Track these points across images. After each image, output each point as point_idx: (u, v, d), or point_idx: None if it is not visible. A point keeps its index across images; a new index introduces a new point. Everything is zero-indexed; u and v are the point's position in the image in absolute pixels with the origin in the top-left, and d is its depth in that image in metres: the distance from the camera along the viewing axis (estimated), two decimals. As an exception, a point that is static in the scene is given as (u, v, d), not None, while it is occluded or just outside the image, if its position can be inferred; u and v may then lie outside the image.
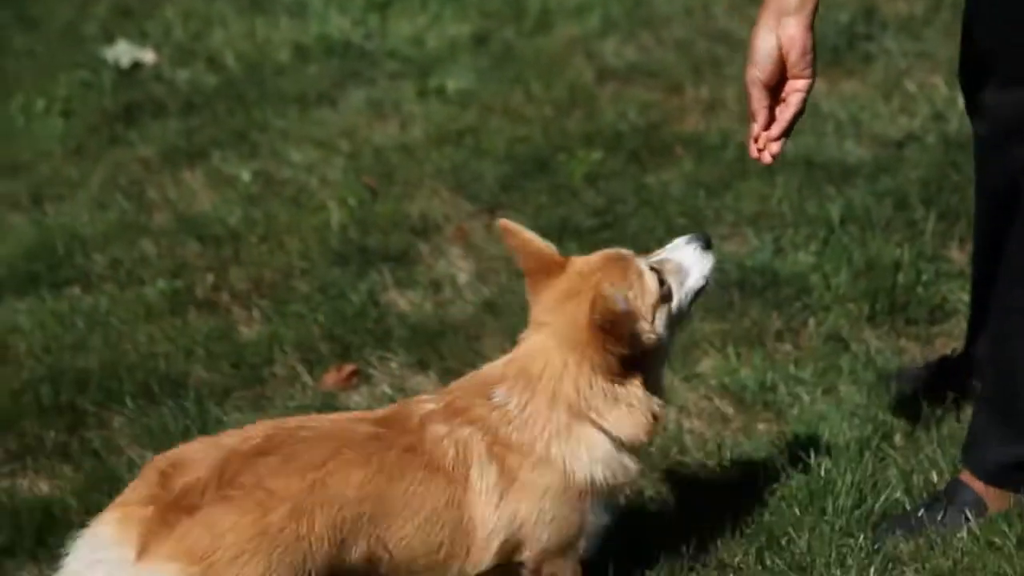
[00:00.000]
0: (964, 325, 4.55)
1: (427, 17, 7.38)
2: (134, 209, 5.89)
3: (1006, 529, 3.89)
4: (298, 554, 3.37)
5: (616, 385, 3.60)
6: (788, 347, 4.82)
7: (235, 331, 5.07)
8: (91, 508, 4.13)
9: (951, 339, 4.77)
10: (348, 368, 4.81)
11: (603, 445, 3.61)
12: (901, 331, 4.86)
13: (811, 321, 4.93)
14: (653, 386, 3.65)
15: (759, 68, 3.62)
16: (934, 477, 4.16)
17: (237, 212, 5.77)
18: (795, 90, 3.64)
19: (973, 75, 4.03)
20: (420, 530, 3.52)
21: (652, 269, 3.68)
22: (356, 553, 3.46)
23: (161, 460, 3.47)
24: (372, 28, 7.33)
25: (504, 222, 3.75)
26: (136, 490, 3.41)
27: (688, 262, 3.74)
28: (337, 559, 3.44)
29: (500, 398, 3.61)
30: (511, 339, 4.80)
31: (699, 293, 3.76)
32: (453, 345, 4.90)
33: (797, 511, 4.00)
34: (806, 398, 4.53)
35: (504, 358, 3.73)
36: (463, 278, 5.31)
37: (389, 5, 7.48)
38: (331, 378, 4.77)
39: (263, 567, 3.34)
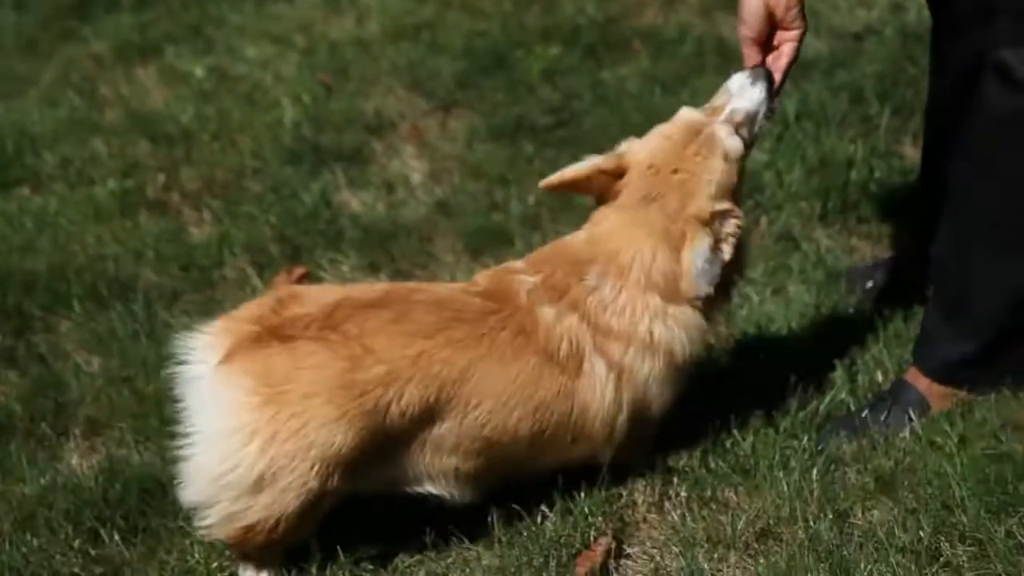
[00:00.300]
0: (915, 222, 4.53)
1: (385, -92, 7.27)
2: (85, 106, 5.82)
3: (948, 428, 3.91)
4: (373, 421, 3.37)
5: (692, 247, 3.63)
6: (740, 246, 4.81)
7: (185, 233, 5.04)
8: (35, 414, 4.15)
9: (902, 237, 4.76)
10: (298, 271, 4.79)
11: (695, 319, 3.67)
12: (852, 229, 4.86)
13: (763, 220, 4.92)
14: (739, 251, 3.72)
15: (748, 27, 3.69)
16: (879, 377, 4.18)
17: (190, 110, 5.72)
18: (787, 40, 3.70)
19: None
20: (529, 416, 3.55)
21: (736, 133, 3.69)
22: (444, 429, 3.47)
23: (284, 289, 3.56)
24: (328, -80, 7.21)
25: (545, 183, 3.71)
26: (249, 308, 3.51)
27: (755, 103, 3.71)
28: (418, 432, 3.45)
29: (593, 281, 3.62)
30: (464, 240, 4.84)
31: (768, 119, 3.77)
32: (405, 247, 4.88)
33: (742, 413, 4.01)
34: (755, 298, 4.53)
35: (582, 234, 3.72)
36: (416, 178, 5.28)
37: None
38: (281, 280, 4.74)
39: (332, 416, 3.34)
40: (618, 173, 3.67)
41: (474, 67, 5.95)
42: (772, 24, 3.68)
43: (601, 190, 3.69)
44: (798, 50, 3.69)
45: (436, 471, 3.55)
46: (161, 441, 3.99)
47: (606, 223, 3.67)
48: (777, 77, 3.71)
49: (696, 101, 5.49)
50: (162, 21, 6.49)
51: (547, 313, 3.58)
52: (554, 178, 3.69)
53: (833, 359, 4.24)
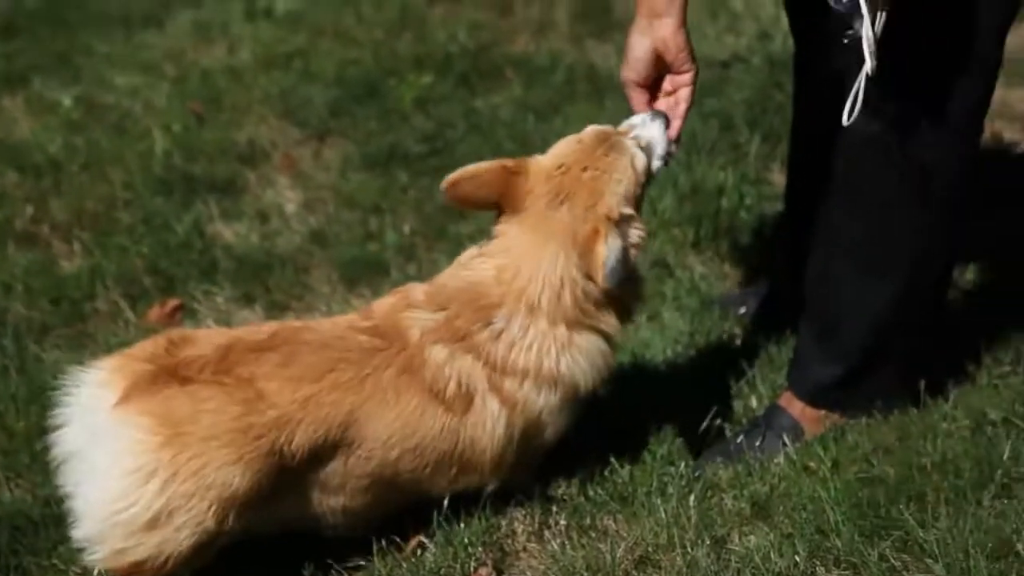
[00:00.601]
0: (785, 248, 4.59)
1: (255, -65, 7.24)
2: (-49, 138, 5.73)
3: (821, 453, 3.96)
4: (269, 462, 3.40)
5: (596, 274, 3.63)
6: (614, 273, 4.84)
7: (55, 265, 4.97)
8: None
9: (773, 263, 4.81)
10: (172, 303, 4.74)
11: (600, 346, 3.69)
12: (725, 256, 4.91)
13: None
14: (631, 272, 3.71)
15: (633, 70, 3.67)
16: (753, 403, 4.23)
17: (58, 140, 5.64)
18: (682, 85, 3.68)
19: None
20: (409, 453, 3.56)
21: (640, 148, 3.69)
22: (331, 469, 3.50)
23: (174, 332, 3.54)
24: (198, -53, 7.18)
25: (447, 181, 3.67)
26: (143, 347, 3.48)
27: (656, 139, 3.72)
28: (308, 473, 3.48)
29: (501, 324, 3.61)
30: (339, 271, 4.83)
31: (657, 173, 3.79)
32: (280, 278, 4.86)
33: (620, 441, 4.03)
34: (630, 326, 4.55)
35: (489, 268, 3.66)
36: (290, 208, 5.26)
37: (215, -77, 7.32)
38: (155, 313, 4.70)
39: (230, 459, 3.37)
40: (521, 174, 3.65)
41: (347, 96, 5.95)
42: (659, 68, 3.65)
43: (504, 196, 3.65)
44: (694, 92, 3.68)
45: (326, 509, 3.58)
46: (32, 478, 3.93)
47: (512, 247, 3.64)
48: (678, 124, 3.71)
49: (569, 128, 5.54)
50: (29, 50, 6.41)
51: (438, 352, 3.59)
52: (456, 175, 3.65)
53: (708, 385, 4.28)
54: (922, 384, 4.09)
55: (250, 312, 4.71)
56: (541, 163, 3.67)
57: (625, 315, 3.75)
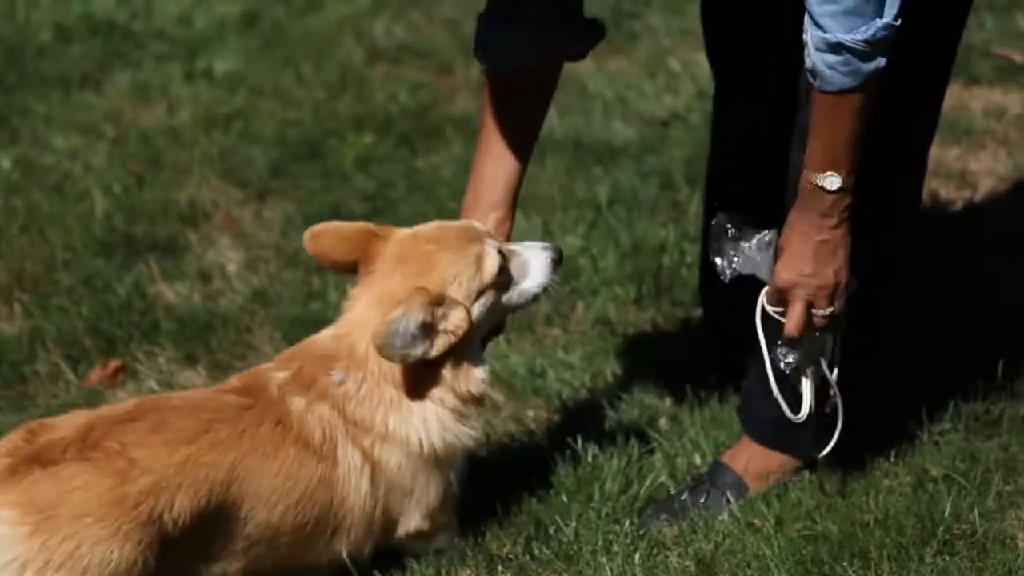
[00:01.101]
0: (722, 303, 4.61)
1: (194, -4, 7.28)
2: None
3: (765, 510, 3.98)
4: (150, 532, 3.30)
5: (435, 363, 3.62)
6: (557, 332, 4.86)
7: (-5, 327, 4.95)
8: None
9: (715, 319, 4.85)
10: (114, 364, 4.72)
11: (436, 412, 3.65)
12: (667, 313, 4.94)
13: (580, 305, 4.98)
14: (472, 361, 3.67)
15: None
16: (697, 460, 4.24)
17: (-3, 201, 5.63)
18: None
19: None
20: (291, 509, 3.50)
21: (500, 253, 3.69)
22: (218, 533, 3.42)
23: (32, 423, 3.44)
24: (137, 7, 7.20)
25: (310, 232, 3.73)
26: (0, 444, 3.37)
27: (535, 265, 3.75)
28: (191, 541, 3.38)
29: (338, 377, 3.61)
30: (282, 330, 4.82)
31: (532, 299, 3.78)
32: (223, 338, 4.84)
33: (564, 499, 4.04)
34: (575, 383, 4.57)
35: (329, 330, 3.72)
36: (232, 268, 5.25)
37: (155, -16, 7.35)
38: (96, 375, 4.68)
39: (107, 534, 3.26)
40: (382, 239, 3.69)
41: (288, 155, 5.96)
42: None
43: (362, 258, 3.69)
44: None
45: (216, 574, 3.49)
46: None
47: (352, 309, 3.70)
48: None
49: (510, 188, 5.60)
50: (-35, 111, 6.39)
51: (298, 403, 3.57)
52: (319, 227, 3.73)
53: (651, 443, 4.30)
54: (863, 442, 4.13)
55: (193, 372, 4.70)
56: (401, 232, 3.72)
57: (458, 395, 3.69)
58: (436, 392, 3.65)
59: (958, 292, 4.90)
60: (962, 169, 5.71)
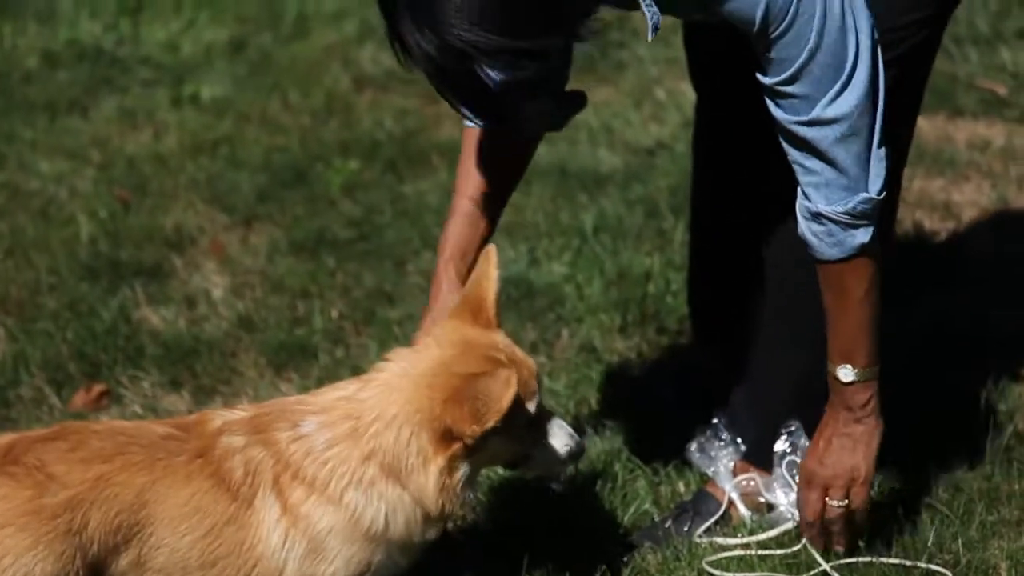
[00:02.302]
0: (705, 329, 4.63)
1: (181, 22, 7.29)
2: None
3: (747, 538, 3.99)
4: (68, 545, 3.28)
5: (434, 462, 3.42)
6: (543, 358, 4.86)
7: (-21, 351, 4.94)
8: None
9: (698, 347, 4.86)
10: (98, 388, 4.71)
11: (404, 506, 3.47)
12: (652, 341, 4.95)
13: (565, 332, 4.99)
14: (465, 486, 3.47)
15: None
16: (681, 488, 4.25)
17: (-18, 226, 5.62)
18: None
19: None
20: (199, 542, 3.43)
21: (539, 404, 3.51)
22: (128, 559, 3.38)
23: None
24: (124, 33, 7.21)
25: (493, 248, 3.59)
26: None
27: (555, 446, 3.54)
28: (107, 562, 3.35)
29: (308, 429, 3.47)
30: (268, 356, 4.82)
31: (534, 471, 3.64)
32: (208, 363, 4.84)
33: (548, 526, 4.04)
34: (560, 410, 4.58)
35: (352, 385, 3.53)
36: (218, 293, 5.25)
37: (142, 10, 7.36)
38: (80, 399, 4.67)
39: (27, 544, 3.24)
40: (477, 322, 3.52)
41: (274, 181, 5.97)
42: None
43: (460, 314, 3.54)
44: None
45: None
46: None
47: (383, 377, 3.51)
48: None
49: (497, 213, 5.61)
50: (-49, 136, 6.39)
51: (234, 440, 3.47)
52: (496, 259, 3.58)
53: (635, 470, 4.30)
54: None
55: (177, 397, 4.69)
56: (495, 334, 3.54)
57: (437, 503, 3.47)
58: (413, 487, 3.44)
59: (941, 322, 4.92)
60: (946, 200, 5.74)
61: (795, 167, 3.53)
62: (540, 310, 5.08)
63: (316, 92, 6.67)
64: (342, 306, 5.13)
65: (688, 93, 6.33)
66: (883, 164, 3.50)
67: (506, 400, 3.28)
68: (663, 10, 3.36)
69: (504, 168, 3.85)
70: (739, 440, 4.16)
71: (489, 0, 3.09)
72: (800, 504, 3.81)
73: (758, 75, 3.45)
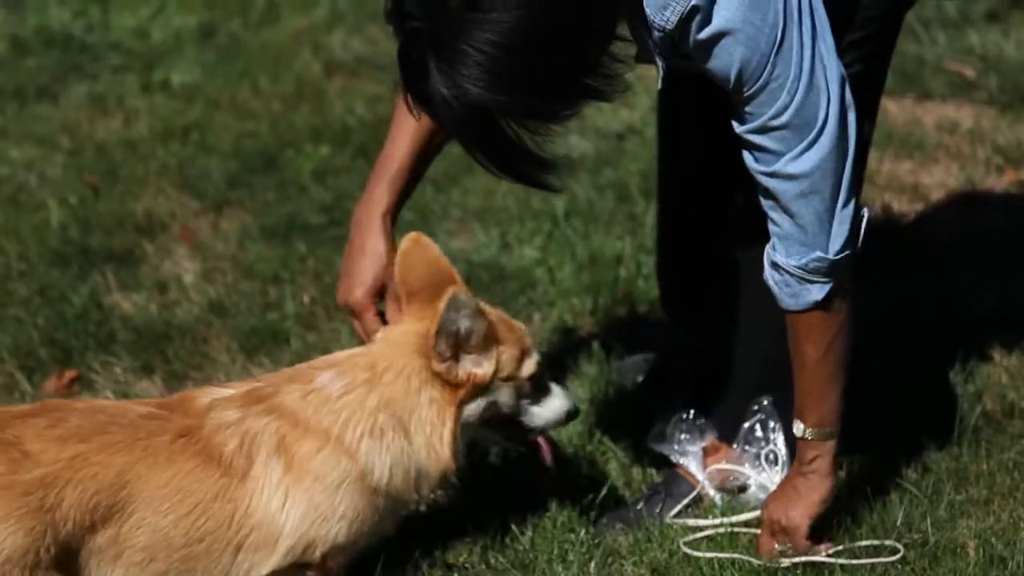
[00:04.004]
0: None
1: (151, 8, 7.27)
2: None
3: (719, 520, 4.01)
4: (38, 522, 3.30)
5: (436, 414, 3.56)
6: (514, 342, 4.86)
7: (-50, 338, 4.92)
8: None
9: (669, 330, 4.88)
10: (69, 374, 4.71)
11: (406, 460, 3.56)
12: (623, 324, 4.97)
13: (536, 316, 5.01)
14: (452, 446, 3.58)
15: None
16: (652, 470, 4.27)
17: (-48, 212, 5.61)
18: None
19: None
20: (182, 521, 3.45)
21: (538, 363, 3.67)
22: (106, 537, 3.40)
23: None
24: (93, 20, 7.18)
25: (416, 235, 3.68)
26: None
27: (554, 405, 3.74)
28: (83, 539, 3.38)
29: (323, 381, 3.56)
30: (239, 341, 4.82)
31: (528, 427, 3.73)
32: (179, 348, 4.84)
33: (520, 507, 4.05)
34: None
35: (348, 351, 3.69)
36: (189, 278, 5.24)
37: (111, -5, 7.34)
38: (51, 385, 4.67)
39: (0, 515, 3.27)
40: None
41: (244, 167, 5.96)
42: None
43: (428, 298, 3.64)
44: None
45: None
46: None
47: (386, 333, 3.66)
48: None
49: (466, 200, 5.64)
50: (-80, 123, 6.37)
51: (225, 416, 3.51)
52: (423, 239, 3.69)
53: (607, 452, 4.32)
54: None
55: (149, 383, 4.69)
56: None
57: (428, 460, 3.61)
58: (417, 441, 3.57)
59: (909, 304, 4.95)
60: (915, 183, 5.76)
61: (765, 215, 3.57)
62: (512, 294, 5.09)
63: (286, 78, 6.66)
64: (313, 291, 5.13)
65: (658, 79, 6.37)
66: (846, 226, 3.52)
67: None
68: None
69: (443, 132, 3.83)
70: (708, 423, 4.18)
71: (509, 61, 3.10)
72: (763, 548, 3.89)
73: (732, 120, 3.48)
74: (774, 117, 3.40)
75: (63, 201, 5.67)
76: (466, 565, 3.92)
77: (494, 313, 3.65)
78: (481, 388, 3.59)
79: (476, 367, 3.56)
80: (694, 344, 4.29)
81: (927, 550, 3.89)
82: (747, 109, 3.43)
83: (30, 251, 5.35)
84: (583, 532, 4.00)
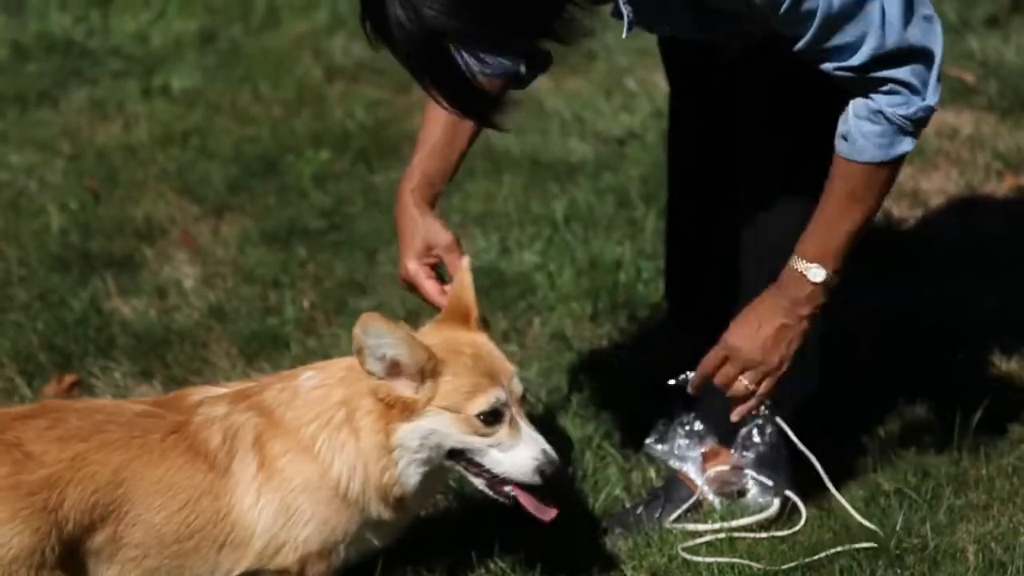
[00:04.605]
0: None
1: (151, 13, 7.27)
2: None
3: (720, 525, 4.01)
4: (44, 522, 3.34)
5: (373, 423, 3.53)
6: (514, 347, 4.86)
7: (-50, 343, 4.93)
8: None
9: (668, 335, 4.87)
10: (69, 379, 4.71)
11: (360, 464, 3.55)
12: (623, 329, 4.97)
13: (536, 321, 5.01)
14: (403, 471, 3.56)
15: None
16: (652, 474, 4.27)
17: (-48, 218, 5.61)
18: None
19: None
20: (173, 517, 3.48)
21: (498, 408, 3.55)
22: (104, 536, 3.43)
23: None
24: (94, 25, 7.18)
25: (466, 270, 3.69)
26: None
27: (516, 456, 3.56)
28: (83, 538, 3.41)
29: (304, 378, 3.60)
30: (239, 345, 4.82)
31: (497, 472, 3.60)
32: (179, 353, 4.84)
33: (520, 513, 4.04)
34: (531, 398, 4.59)
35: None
36: (189, 283, 5.24)
37: (111, 1, 7.33)
38: (51, 389, 4.67)
39: (5, 518, 3.31)
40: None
41: (244, 172, 5.96)
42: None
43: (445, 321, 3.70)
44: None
45: None
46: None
47: None
48: None
49: (468, 205, 5.64)
50: (-80, 129, 6.37)
51: (212, 412, 3.54)
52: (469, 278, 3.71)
53: (607, 457, 4.32)
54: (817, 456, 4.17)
55: (148, 387, 4.69)
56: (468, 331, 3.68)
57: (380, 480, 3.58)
58: (362, 445, 3.55)
59: (909, 309, 4.95)
60: (914, 188, 5.76)
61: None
62: (511, 299, 5.09)
63: (287, 83, 6.66)
64: (313, 296, 5.13)
65: (659, 83, 6.37)
66: (939, 84, 3.55)
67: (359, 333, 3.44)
68: (645, 22, 3.40)
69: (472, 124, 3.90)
70: (707, 428, 4.17)
71: None
72: (707, 364, 3.76)
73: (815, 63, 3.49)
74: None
75: (63, 206, 5.67)
76: (466, 571, 3.92)
77: (473, 344, 3.60)
78: (411, 412, 3.51)
79: (405, 390, 3.51)
80: (693, 346, 4.28)
81: (927, 555, 3.89)
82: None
83: (30, 256, 5.35)
84: (583, 536, 4.00)
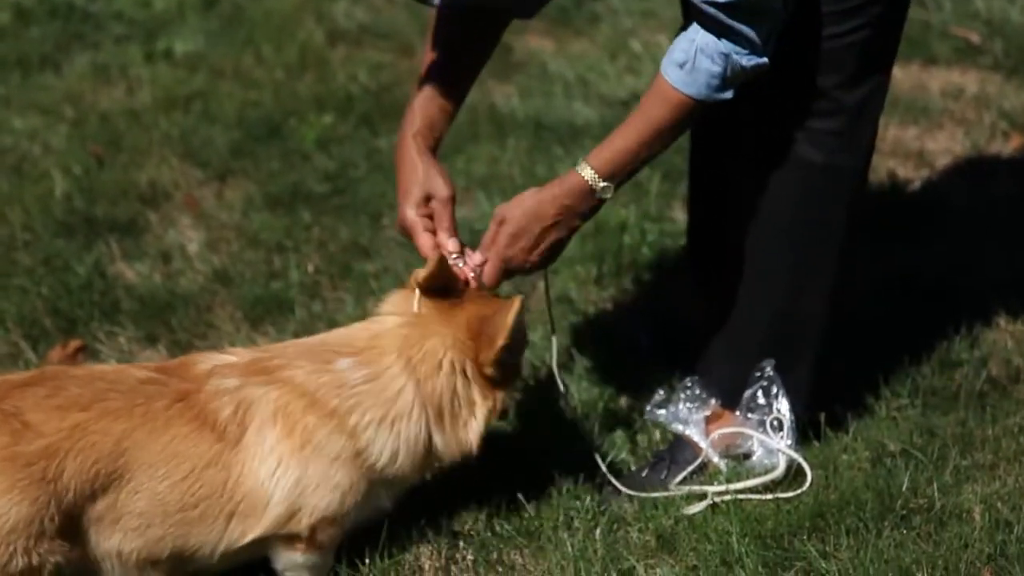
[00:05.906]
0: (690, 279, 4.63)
1: (153, -23, 7.24)
2: None
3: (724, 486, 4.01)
4: (42, 492, 3.33)
5: (484, 405, 3.66)
6: (518, 310, 4.86)
7: (-46, 308, 4.92)
8: None
9: (674, 297, 4.87)
10: (74, 343, 4.71)
11: (417, 445, 3.62)
12: (627, 292, 4.96)
13: (540, 284, 4.98)
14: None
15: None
16: (657, 436, 4.27)
17: (-45, 183, 5.60)
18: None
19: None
20: (177, 486, 3.47)
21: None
22: (105, 504, 3.42)
23: None
24: (97, -12, 7.15)
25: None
26: None
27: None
28: (84, 507, 3.40)
29: (343, 366, 3.58)
30: (244, 310, 4.82)
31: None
32: (183, 317, 4.83)
33: (526, 476, 4.05)
34: (536, 361, 4.59)
35: (360, 331, 3.70)
36: (193, 248, 5.24)
37: (114, -35, 7.29)
38: (56, 354, 4.66)
39: (3, 488, 3.30)
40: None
41: (248, 136, 5.94)
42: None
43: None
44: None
45: (104, 554, 3.47)
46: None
47: (394, 329, 3.67)
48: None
49: (472, 168, 5.63)
50: (-78, 93, 6.35)
51: (224, 384, 3.53)
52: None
53: (613, 419, 4.32)
54: (822, 417, 4.16)
55: (153, 352, 4.69)
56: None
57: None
58: (441, 429, 3.66)
59: (915, 270, 4.94)
60: (920, 148, 5.75)
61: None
62: (516, 262, 5.06)
63: (289, 46, 6.63)
64: (318, 260, 5.12)
65: (663, 45, 6.35)
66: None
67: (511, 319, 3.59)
68: None
69: (473, 45, 3.91)
70: (710, 391, 4.17)
71: None
72: (489, 239, 3.80)
73: None
74: None
75: (67, 171, 5.66)
76: (472, 532, 3.92)
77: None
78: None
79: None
80: (708, 311, 4.26)
81: (933, 515, 3.89)
82: None
83: (34, 221, 5.35)
84: (588, 499, 4.00)
